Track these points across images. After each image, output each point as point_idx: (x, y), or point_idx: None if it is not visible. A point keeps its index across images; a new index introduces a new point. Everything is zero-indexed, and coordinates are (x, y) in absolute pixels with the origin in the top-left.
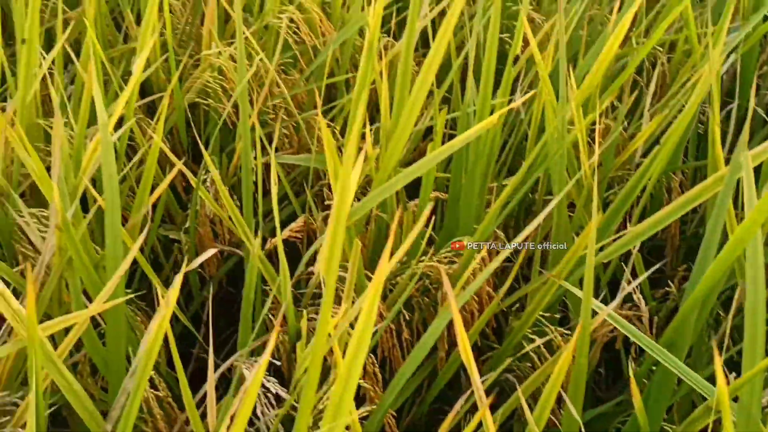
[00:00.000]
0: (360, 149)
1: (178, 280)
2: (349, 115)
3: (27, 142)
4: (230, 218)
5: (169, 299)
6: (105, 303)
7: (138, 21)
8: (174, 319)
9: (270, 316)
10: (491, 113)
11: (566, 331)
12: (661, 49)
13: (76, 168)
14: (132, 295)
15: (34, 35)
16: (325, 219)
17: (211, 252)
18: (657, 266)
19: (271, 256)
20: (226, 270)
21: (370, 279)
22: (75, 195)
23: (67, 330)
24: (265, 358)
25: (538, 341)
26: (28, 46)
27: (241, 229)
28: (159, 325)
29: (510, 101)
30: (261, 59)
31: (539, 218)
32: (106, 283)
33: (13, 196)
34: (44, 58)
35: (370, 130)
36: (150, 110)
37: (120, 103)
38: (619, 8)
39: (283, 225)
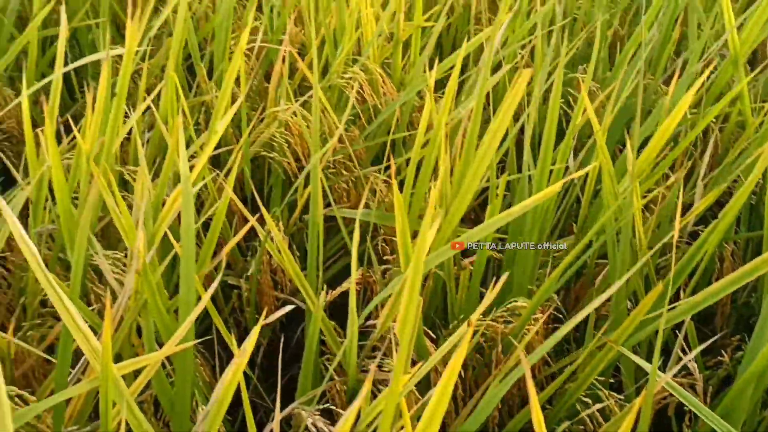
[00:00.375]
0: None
1: (255, 331)
2: (415, 180)
3: (116, 191)
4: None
5: (245, 349)
6: (177, 346)
7: (209, 73)
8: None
9: (326, 363)
10: (549, 179)
11: (619, 397)
12: (714, 120)
13: (154, 216)
14: (198, 340)
15: (123, 91)
16: (384, 272)
17: (288, 308)
18: (713, 339)
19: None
20: (282, 316)
21: (427, 335)
22: (153, 242)
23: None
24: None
25: (594, 407)
26: (117, 101)
27: (302, 286)
28: (234, 373)
29: (566, 168)
30: (325, 116)
31: (601, 299)
32: (177, 327)
33: (92, 238)
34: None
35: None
36: (214, 159)
37: (200, 162)
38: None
39: (341, 275)
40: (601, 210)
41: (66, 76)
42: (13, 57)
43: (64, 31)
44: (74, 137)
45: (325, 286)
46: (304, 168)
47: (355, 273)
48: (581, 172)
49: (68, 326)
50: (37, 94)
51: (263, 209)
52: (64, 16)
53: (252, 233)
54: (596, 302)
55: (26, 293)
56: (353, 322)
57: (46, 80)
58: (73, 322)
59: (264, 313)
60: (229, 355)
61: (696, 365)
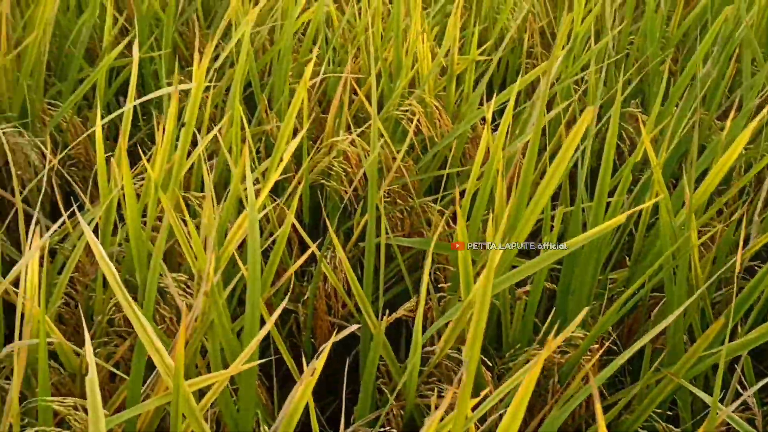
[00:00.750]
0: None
1: (324, 353)
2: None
3: (189, 219)
4: (347, 293)
5: (313, 368)
6: (243, 365)
7: (270, 103)
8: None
9: (381, 387)
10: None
11: (676, 430)
12: None
13: (220, 241)
14: (262, 361)
15: (192, 121)
16: (439, 300)
17: (352, 328)
18: None
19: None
20: (336, 341)
21: (482, 363)
22: (219, 266)
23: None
24: None
25: None
26: (186, 129)
27: (364, 309)
28: (302, 393)
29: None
30: (383, 147)
31: (657, 330)
32: (241, 348)
33: (160, 262)
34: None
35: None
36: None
37: (264, 189)
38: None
39: (395, 302)
40: (656, 243)
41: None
42: (84, 92)
43: (135, 70)
44: (138, 162)
45: (382, 312)
46: (360, 196)
47: (422, 303)
48: (640, 207)
49: (144, 344)
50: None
51: (331, 232)
52: (136, 54)
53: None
54: (652, 333)
55: (94, 313)
56: (416, 348)
57: (117, 112)
58: (149, 340)
59: (334, 333)
60: (283, 377)
61: (754, 400)
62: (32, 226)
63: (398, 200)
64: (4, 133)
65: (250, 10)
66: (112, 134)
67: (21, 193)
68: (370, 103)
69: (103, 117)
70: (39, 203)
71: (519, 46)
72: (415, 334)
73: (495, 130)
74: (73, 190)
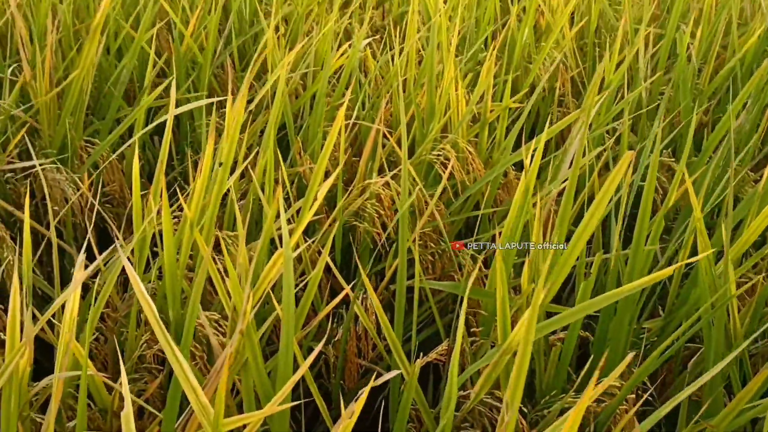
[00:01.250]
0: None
1: (363, 397)
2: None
3: (227, 258)
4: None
5: (352, 411)
6: (278, 406)
7: (303, 146)
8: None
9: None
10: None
11: None
12: None
13: (253, 279)
14: (295, 403)
15: (228, 161)
16: (471, 344)
17: (393, 374)
18: None
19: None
20: (364, 384)
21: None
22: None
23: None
24: None
25: None
26: (222, 172)
27: (396, 353)
28: None
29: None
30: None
31: (698, 383)
32: (273, 388)
33: (198, 300)
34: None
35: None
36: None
37: (298, 229)
38: None
39: (425, 345)
40: (692, 293)
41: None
42: (122, 131)
43: (171, 116)
44: (171, 200)
45: (415, 355)
46: (391, 238)
47: (458, 348)
48: (693, 260)
49: (181, 382)
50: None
51: (364, 275)
52: (173, 97)
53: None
54: (693, 387)
55: (125, 349)
56: (452, 394)
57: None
58: (186, 379)
59: (373, 377)
60: (311, 419)
61: None
62: (79, 260)
63: (430, 243)
64: (42, 168)
65: (286, 54)
66: (145, 172)
67: (52, 226)
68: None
69: (139, 157)
70: (74, 238)
71: (550, 95)
72: (450, 379)
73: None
74: (106, 226)
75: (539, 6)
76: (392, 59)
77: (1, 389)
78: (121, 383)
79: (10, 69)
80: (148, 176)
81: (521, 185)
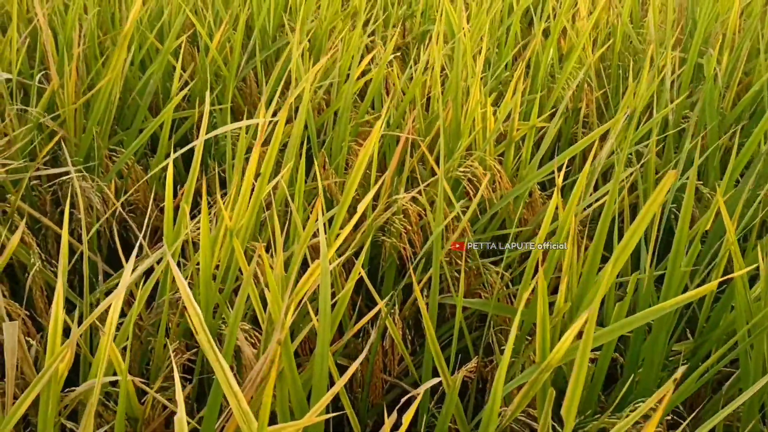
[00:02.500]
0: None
1: (412, 409)
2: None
3: (269, 272)
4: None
5: (394, 420)
6: (316, 417)
7: (328, 160)
8: None
9: None
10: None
11: None
12: None
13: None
14: (332, 415)
15: (267, 171)
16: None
17: (433, 381)
18: None
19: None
20: (390, 399)
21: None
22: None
23: None
24: None
25: None
26: (260, 182)
27: (439, 364)
28: None
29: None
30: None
31: (733, 405)
32: (307, 399)
33: (227, 312)
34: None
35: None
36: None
37: (336, 243)
38: None
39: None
40: (724, 315)
41: (185, 154)
42: (146, 139)
43: (206, 118)
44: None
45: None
46: (417, 254)
47: (506, 366)
48: (712, 284)
49: (224, 389)
50: (163, 169)
51: (379, 303)
52: (207, 111)
53: (360, 314)
54: (729, 409)
55: (153, 357)
56: (494, 409)
57: (195, 170)
58: (229, 386)
59: (416, 395)
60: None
61: None
62: (128, 267)
63: (457, 260)
64: (70, 177)
65: (311, 68)
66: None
67: (84, 237)
68: (427, 164)
69: (163, 168)
70: (97, 247)
71: (573, 115)
72: (493, 395)
73: (549, 197)
74: (129, 235)
75: (564, 27)
76: (416, 72)
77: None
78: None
79: (38, 77)
80: (175, 186)
81: (552, 202)
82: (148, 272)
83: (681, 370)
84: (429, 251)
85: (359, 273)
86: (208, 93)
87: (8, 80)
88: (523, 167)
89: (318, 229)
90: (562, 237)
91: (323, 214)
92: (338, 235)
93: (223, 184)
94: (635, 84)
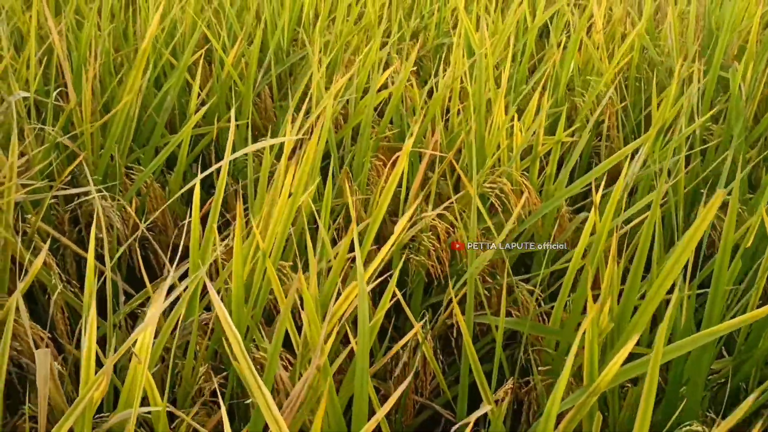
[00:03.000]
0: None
1: None
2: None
3: (307, 294)
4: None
5: None
6: None
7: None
8: None
9: None
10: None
11: None
12: None
13: (324, 313)
14: None
15: (299, 190)
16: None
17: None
18: None
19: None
20: (421, 421)
21: None
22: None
23: None
24: None
25: None
26: (292, 200)
27: (482, 387)
28: None
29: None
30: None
31: None
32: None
33: (258, 334)
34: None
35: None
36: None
37: (373, 265)
38: None
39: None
40: (765, 332)
41: (203, 170)
42: (165, 157)
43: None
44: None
45: (469, 392)
46: (443, 271)
47: (563, 388)
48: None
49: (266, 417)
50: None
51: (415, 326)
52: (233, 130)
53: (382, 333)
54: None
55: (182, 381)
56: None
57: (220, 193)
58: (271, 414)
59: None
60: None
61: None
62: (159, 295)
63: (488, 278)
64: (90, 196)
65: (328, 81)
66: (184, 199)
67: (108, 262)
68: (450, 179)
69: (181, 186)
70: (117, 266)
71: (594, 129)
72: (545, 417)
73: (577, 212)
74: (148, 252)
75: (582, 40)
76: (436, 86)
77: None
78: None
79: (52, 94)
80: (187, 203)
81: (590, 219)
82: (170, 291)
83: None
84: (457, 268)
85: (391, 293)
86: (233, 114)
87: (25, 98)
88: (547, 182)
89: (341, 248)
90: (598, 253)
91: (358, 234)
92: (367, 253)
93: (242, 200)
94: (662, 99)
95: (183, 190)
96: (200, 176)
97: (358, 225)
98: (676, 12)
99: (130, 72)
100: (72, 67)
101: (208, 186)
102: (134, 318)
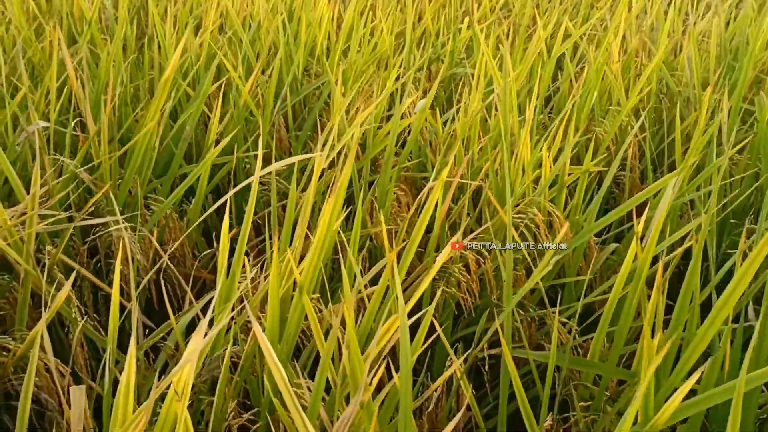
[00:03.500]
0: None
1: None
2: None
3: (352, 328)
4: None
5: None
6: None
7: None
8: None
9: None
10: None
11: None
12: None
13: (364, 347)
14: None
15: (333, 224)
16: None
17: None
18: None
19: None
20: None
21: None
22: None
23: None
24: None
25: None
26: (328, 232)
27: (528, 422)
28: None
29: None
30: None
31: None
32: None
33: (291, 370)
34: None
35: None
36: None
37: (413, 299)
38: None
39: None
40: None
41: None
42: (184, 190)
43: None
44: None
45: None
46: (477, 304)
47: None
48: None
49: None
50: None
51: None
52: (255, 184)
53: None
54: None
55: (210, 419)
56: None
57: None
58: None
59: None
60: None
61: None
62: (198, 335)
63: (519, 310)
64: (105, 226)
65: (352, 109)
66: (200, 229)
67: (134, 294)
68: (473, 210)
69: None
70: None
71: (614, 158)
72: None
73: (604, 242)
74: (166, 284)
75: (603, 69)
76: (457, 112)
77: None
78: None
79: (71, 125)
80: (204, 233)
81: (631, 251)
82: (191, 325)
83: None
84: (486, 301)
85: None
86: (260, 155)
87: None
88: (573, 212)
89: (380, 283)
90: (639, 284)
91: (368, 264)
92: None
93: (258, 231)
94: (688, 129)
95: (201, 219)
96: (227, 219)
97: (385, 257)
98: (694, 40)
99: (151, 102)
100: (87, 96)
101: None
102: (154, 350)
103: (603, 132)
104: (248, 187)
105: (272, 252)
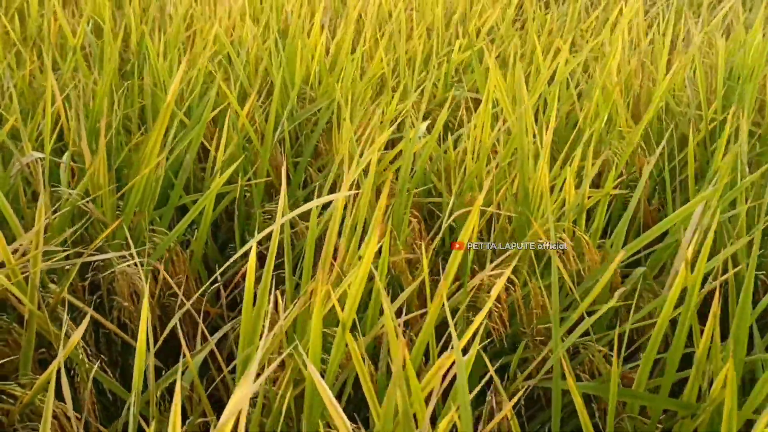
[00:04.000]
0: None
1: None
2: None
3: (411, 370)
4: None
5: None
6: None
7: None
8: None
9: None
10: None
11: None
12: None
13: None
14: None
15: (369, 257)
16: None
17: None
18: None
19: None
20: None
21: None
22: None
23: None
24: None
25: None
26: (364, 264)
27: None
28: None
29: None
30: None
31: None
32: None
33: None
34: None
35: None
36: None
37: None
38: None
39: None
40: None
41: (221, 229)
42: (188, 223)
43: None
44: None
45: None
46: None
47: None
48: None
49: None
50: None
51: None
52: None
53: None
54: None
55: None
56: None
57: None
58: None
59: None
60: None
61: None
62: (250, 371)
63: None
64: (108, 260)
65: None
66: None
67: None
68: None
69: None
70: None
71: (627, 179)
72: None
73: (628, 266)
74: (169, 319)
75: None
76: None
77: None
78: None
79: (69, 156)
80: (204, 263)
81: (680, 277)
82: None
83: None
84: (516, 332)
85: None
86: (285, 175)
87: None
88: (594, 236)
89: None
90: (690, 309)
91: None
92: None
93: (262, 261)
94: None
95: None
96: (252, 259)
97: (408, 287)
98: (699, 62)
99: (151, 132)
100: (82, 125)
101: (230, 248)
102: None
103: (613, 154)
104: (249, 215)
105: (304, 290)
